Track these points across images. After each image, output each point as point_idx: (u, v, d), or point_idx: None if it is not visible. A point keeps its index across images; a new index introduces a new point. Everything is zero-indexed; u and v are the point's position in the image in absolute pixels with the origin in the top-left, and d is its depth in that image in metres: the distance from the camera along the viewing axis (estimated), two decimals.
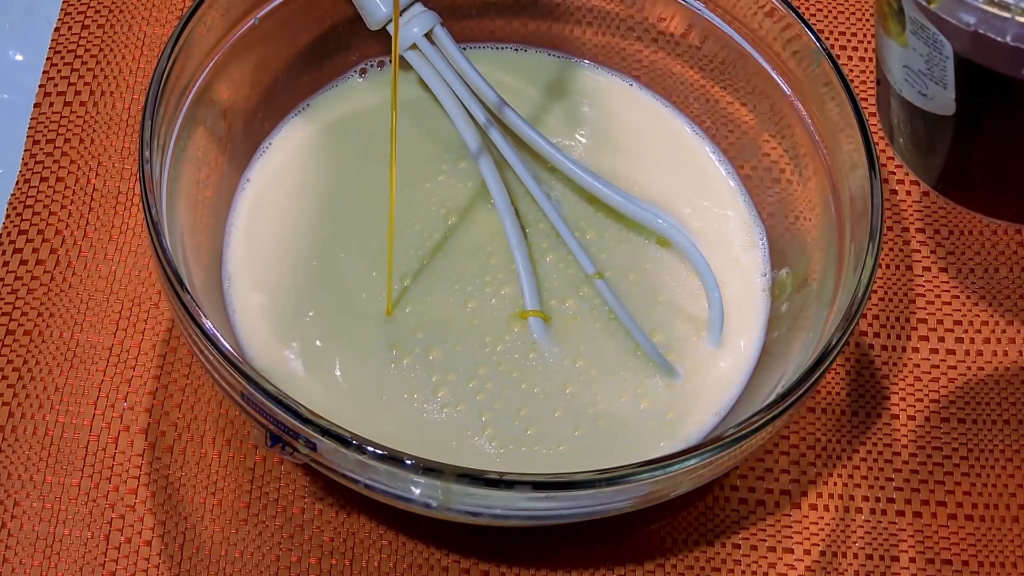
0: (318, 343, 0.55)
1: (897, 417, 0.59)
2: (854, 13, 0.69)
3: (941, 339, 0.60)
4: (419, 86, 0.62)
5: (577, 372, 0.55)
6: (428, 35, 0.60)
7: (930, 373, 0.60)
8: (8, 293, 0.59)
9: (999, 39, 0.39)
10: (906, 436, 0.58)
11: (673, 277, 0.58)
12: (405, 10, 0.60)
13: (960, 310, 0.61)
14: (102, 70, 0.66)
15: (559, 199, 0.59)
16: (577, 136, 0.62)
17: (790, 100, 0.58)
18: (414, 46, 0.60)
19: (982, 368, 0.60)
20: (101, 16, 0.67)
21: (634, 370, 0.55)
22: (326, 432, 0.46)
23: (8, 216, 0.62)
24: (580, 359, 0.55)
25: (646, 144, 0.62)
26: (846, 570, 0.55)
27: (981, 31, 0.40)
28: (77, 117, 0.64)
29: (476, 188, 0.59)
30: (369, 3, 0.59)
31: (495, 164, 0.59)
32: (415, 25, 0.59)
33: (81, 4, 0.68)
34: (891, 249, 0.62)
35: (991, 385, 0.59)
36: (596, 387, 0.55)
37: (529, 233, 0.58)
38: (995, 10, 0.39)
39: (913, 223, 0.63)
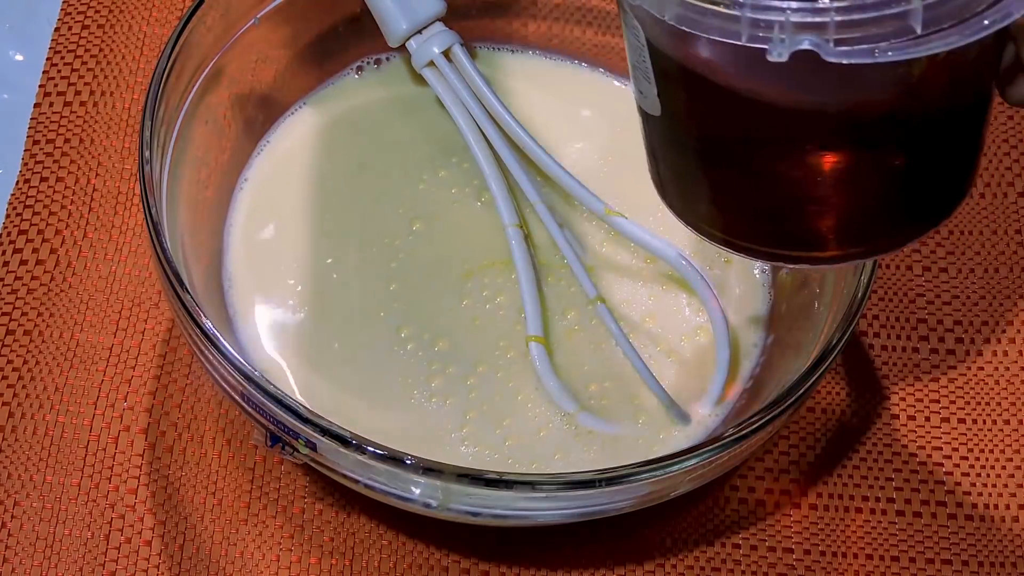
0: (318, 342, 0.55)
1: (897, 417, 0.59)
2: None
3: (941, 339, 0.60)
4: (416, 83, 0.62)
5: (574, 391, 0.55)
6: (446, 53, 0.59)
7: (930, 373, 0.60)
8: (8, 293, 0.59)
9: (663, 19, 0.39)
10: (906, 436, 0.58)
11: (675, 301, 0.58)
12: (425, 28, 0.59)
13: (960, 310, 0.61)
14: (102, 70, 0.66)
15: (569, 223, 0.59)
16: (575, 138, 0.62)
17: None
18: (431, 63, 0.60)
19: (982, 368, 0.60)
20: (101, 16, 0.67)
21: (632, 384, 0.55)
22: (326, 432, 0.46)
23: (8, 216, 0.62)
24: (580, 380, 0.55)
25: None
26: (846, 570, 0.55)
27: (647, 7, 0.39)
28: (77, 117, 0.64)
29: (489, 203, 0.59)
30: (389, 20, 0.59)
31: (507, 187, 0.58)
32: (434, 43, 0.59)
33: (81, 4, 0.68)
34: None
35: (991, 385, 0.59)
36: (591, 408, 0.55)
37: (539, 251, 0.58)
38: None
39: None
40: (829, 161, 0.41)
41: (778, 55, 0.37)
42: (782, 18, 0.37)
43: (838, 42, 0.37)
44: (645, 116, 0.44)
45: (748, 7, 0.37)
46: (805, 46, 0.37)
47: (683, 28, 0.38)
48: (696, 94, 0.41)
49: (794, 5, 0.37)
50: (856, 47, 0.37)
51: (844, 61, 0.37)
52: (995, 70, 0.41)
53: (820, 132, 0.41)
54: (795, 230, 0.44)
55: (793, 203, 0.43)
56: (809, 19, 0.37)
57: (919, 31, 0.37)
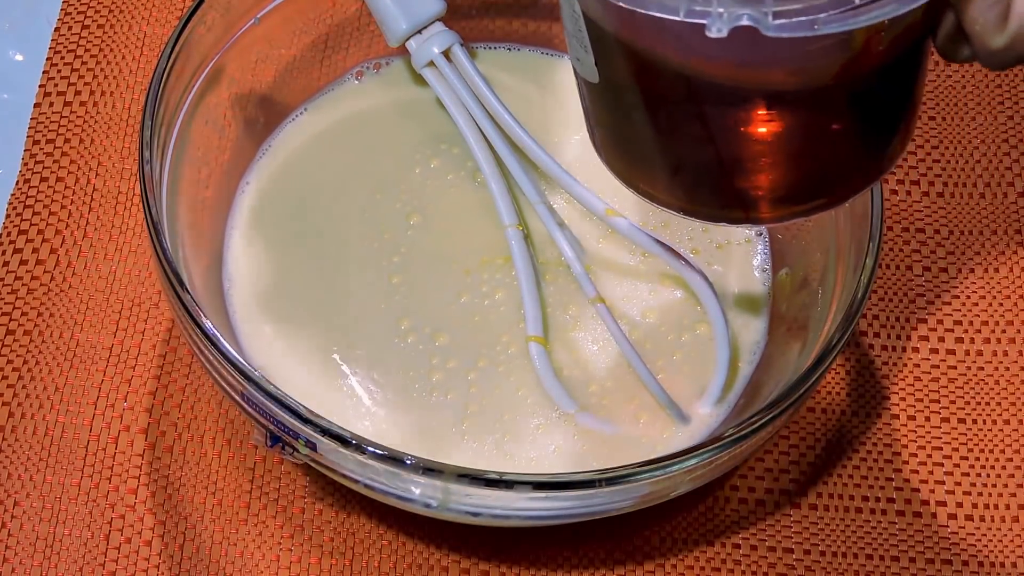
0: (318, 340, 0.55)
1: (897, 417, 0.59)
2: None
3: (941, 339, 0.60)
4: (416, 87, 0.62)
5: (574, 391, 0.55)
6: (446, 53, 0.59)
7: (930, 373, 0.60)
8: (8, 293, 0.60)
9: None
10: (906, 436, 0.58)
11: (674, 299, 0.58)
12: (425, 28, 0.60)
13: (960, 310, 0.61)
14: (102, 70, 0.66)
15: (569, 223, 0.59)
16: (575, 134, 0.62)
17: None
18: (431, 63, 0.60)
19: (982, 368, 0.60)
20: (101, 16, 0.67)
21: (632, 384, 0.55)
22: (326, 432, 0.46)
23: (8, 216, 0.62)
24: (580, 380, 0.55)
25: None
26: (846, 570, 0.55)
27: None
28: (77, 117, 0.64)
29: (486, 199, 0.59)
30: (389, 19, 0.59)
31: (507, 187, 0.58)
32: (434, 43, 0.59)
33: (81, 4, 0.68)
34: (891, 249, 0.63)
35: (991, 385, 0.59)
36: (591, 408, 0.55)
37: (538, 251, 0.58)
38: None
39: (913, 223, 0.63)
40: (769, 125, 0.42)
41: (717, 31, 0.37)
42: None
43: (776, 15, 0.37)
44: (583, 82, 0.44)
45: None
46: (744, 22, 0.37)
47: (620, 4, 0.38)
48: (634, 64, 0.41)
49: None
50: (795, 20, 0.37)
51: (784, 35, 0.37)
52: (930, 27, 0.41)
53: (759, 99, 0.41)
54: (737, 192, 0.44)
55: (734, 166, 0.43)
56: None
57: (857, 0, 0.37)
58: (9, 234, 0.61)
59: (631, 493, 0.48)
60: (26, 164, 0.63)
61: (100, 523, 0.55)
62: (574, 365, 0.56)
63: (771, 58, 0.39)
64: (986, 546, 0.56)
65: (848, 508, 0.56)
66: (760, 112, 0.41)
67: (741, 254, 0.59)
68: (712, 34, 0.37)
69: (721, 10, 0.37)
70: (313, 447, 0.47)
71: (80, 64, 0.66)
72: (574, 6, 0.41)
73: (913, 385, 0.59)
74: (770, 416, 0.48)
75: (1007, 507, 0.57)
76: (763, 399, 0.52)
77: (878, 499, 0.57)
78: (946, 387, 0.59)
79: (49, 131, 0.64)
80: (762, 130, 0.42)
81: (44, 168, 0.63)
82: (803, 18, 0.37)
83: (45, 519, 0.55)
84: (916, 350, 0.60)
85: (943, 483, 0.57)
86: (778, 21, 0.37)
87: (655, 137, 0.44)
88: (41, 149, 0.63)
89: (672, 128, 0.43)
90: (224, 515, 0.55)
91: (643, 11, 0.37)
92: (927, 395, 0.59)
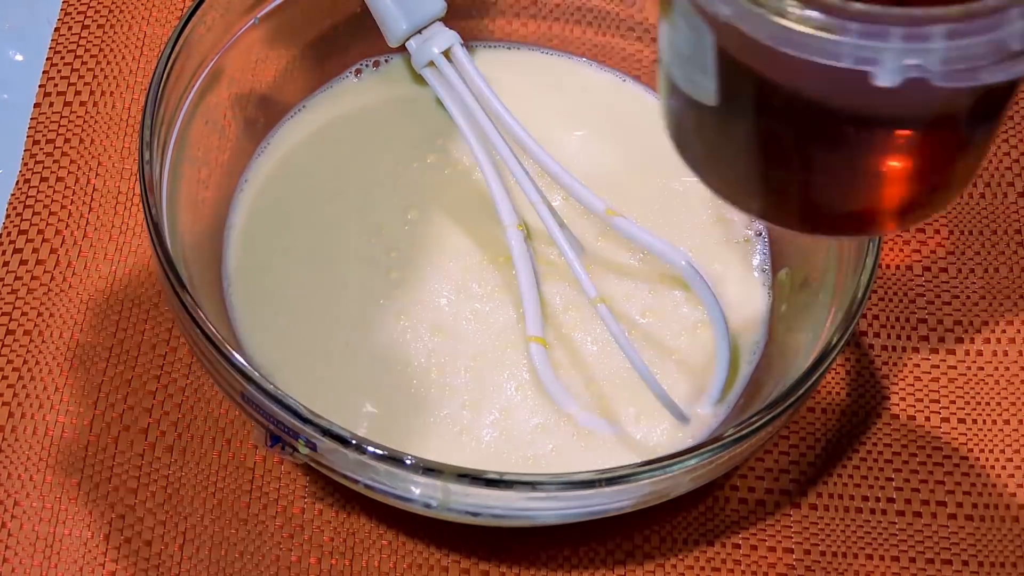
0: (318, 340, 0.55)
1: (897, 417, 0.59)
2: None
3: (941, 339, 0.60)
4: (415, 85, 0.62)
5: (574, 391, 0.55)
6: (446, 53, 0.60)
7: (930, 373, 0.60)
8: (8, 293, 0.60)
9: (753, 36, 0.38)
10: (906, 436, 0.58)
11: (674, 299, 0.58)
12: (425, 28, 0.60)
13: (960, 310, 0.61)
14: (102, 70, 0.66)
15: (569, 223, 0.59)
16: (575, 134, 0.62)
17: None
18: (431, 63, 0.60)
19: (982, 368, 0.60)
20: (101, 16, 0.67)
21: (632, 383, 0.55)
22: (326, 432, 0.46)
23: (8, 216, 0.62)
24: (580, 380, 0.55)
25: (644, 141, 0.62)
26: (846, 570, 0.55)
27: (734, 24, 0.38)
28: (77, 117, 0.64)
29: (483, 193, 0.59)
30: (389, 20, 0.59)
31: (506, 185, 0.58)
32: (434, 43, 0.59)
33: (81, 4, 0.68)
34: (891, 249, 0.62)
35: (991, 385, 0.59)
36: (591, 408, 0.55)
37: (538, 250, 0.58)
38: (750, 6, 0.38)
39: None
40: (892, 156, 0.42)
41: (890, 82, 0.37)
42: (891, 45, 0.36)
43: (942, 63, 0.37)
44: (686, 99, 0.44)
45: (855, 34, 0.36)
46: (914, 74, 0.36)
47: (781, 49, 0.37)
48: (770, 98, 0.41)
49: (899, 31, 0.36)
50: (961, 68, 0.37)
51: (951, 85, 0.37)
52: None
53: (891, 130, 0.41)
54: (839, 212, 0.44)
55: (845, 190, 0.43)
56: (918, 45, 0.36)
57: (1019, 48, 0.36)
58: (9, 234, 0.61)
59: (631, 493, 0.48)
60: (26, 164, 0.63)
61: (100, 523, 0.55)
62: (574, 365, 0.56)
63: (919, 96, 0.39)
64: (986, 546, 0.56)
65: (848, 508, 0.56)
66: (888, 142, 0.41)
67: (741, 254, 0.59)
68: (880, 83, 0.37)
69: (890, 60, 0.36)
70: (313, 447, 0.47)
71: (80, 64, 0.66)
72: (703, 36, 0.41)
73: (913, 385, 0.59)
74: (770, 416, 0.48)
75: (1007, 507, 0.57)
76: (763, 399, 0.52)
77: (878, 499, 0.57)
78: (946, 387, 0.59)
79: (49, 131, 0.64)
80: (892, 162, 0.42)
81: (44, 168, 0.63)
82: (967, 66, 0.36)
83: (45, 519, 0.55)
84: (916, 350, 0.60)
85: (943, 483, 0.57)
86: (946, 68, 0.36)
87: (768, 161, 0.44)
88: (41, 149, 0.63)
89: (788, 154, 0.43)
90: (224, 515, 0.55)
91: (806, 56, 0.37)
92: (927, 395, 0.59)
